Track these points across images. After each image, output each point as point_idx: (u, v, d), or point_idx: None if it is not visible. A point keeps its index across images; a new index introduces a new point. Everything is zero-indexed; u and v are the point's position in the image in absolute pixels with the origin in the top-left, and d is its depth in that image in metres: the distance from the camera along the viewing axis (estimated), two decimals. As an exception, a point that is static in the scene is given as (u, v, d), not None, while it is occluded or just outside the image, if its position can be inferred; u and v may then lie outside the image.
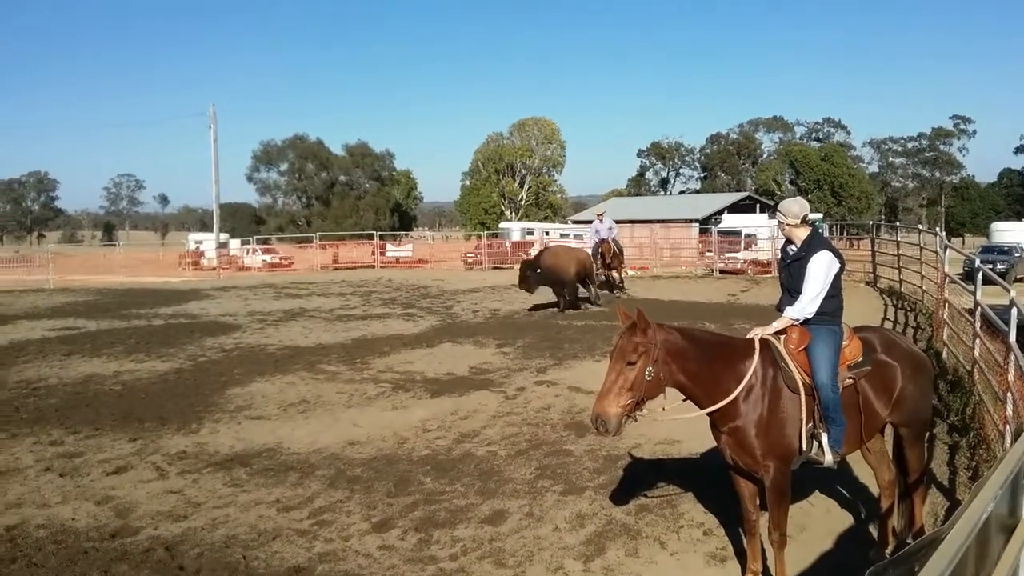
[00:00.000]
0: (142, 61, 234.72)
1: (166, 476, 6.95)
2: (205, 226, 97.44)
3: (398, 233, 66.51)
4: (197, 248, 49.14)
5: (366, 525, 5.74)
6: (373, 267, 39.60)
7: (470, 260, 40.86)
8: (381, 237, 45.96)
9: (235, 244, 50.95)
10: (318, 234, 45.39)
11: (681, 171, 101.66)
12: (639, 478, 6.52)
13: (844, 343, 4.79)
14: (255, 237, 58.15)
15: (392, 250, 44.59)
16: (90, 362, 12.76)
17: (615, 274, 20.69)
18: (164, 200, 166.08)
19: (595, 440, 7.49)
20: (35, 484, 6.81)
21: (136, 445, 7.91)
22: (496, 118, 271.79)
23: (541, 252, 19.54)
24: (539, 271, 17.75)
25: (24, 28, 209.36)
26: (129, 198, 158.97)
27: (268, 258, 44.84)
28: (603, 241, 20.09)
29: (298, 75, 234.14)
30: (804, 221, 4.87)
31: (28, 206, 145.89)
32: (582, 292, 18.92)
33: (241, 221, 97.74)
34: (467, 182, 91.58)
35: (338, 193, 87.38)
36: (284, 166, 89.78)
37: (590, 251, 19.99)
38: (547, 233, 47.57)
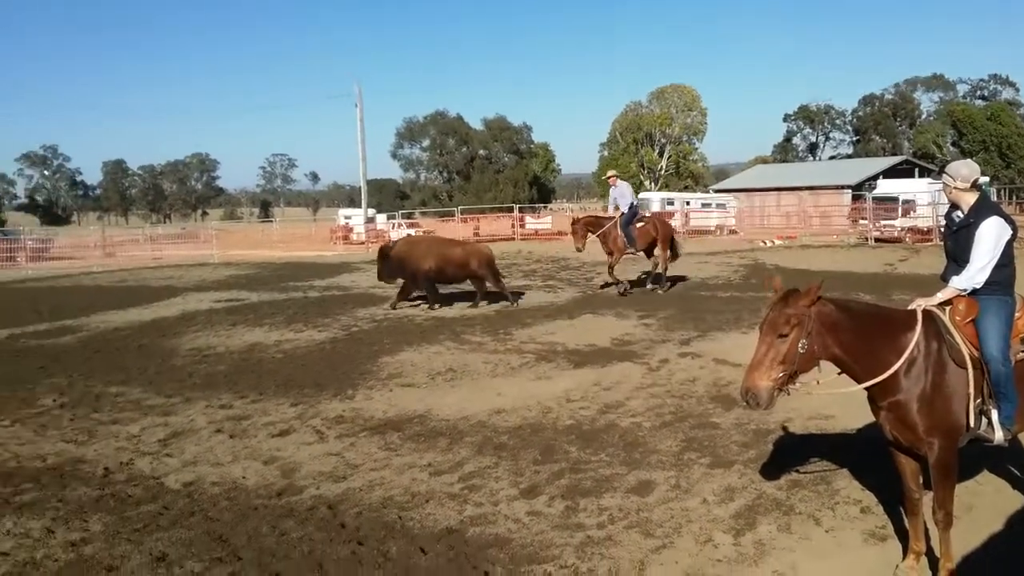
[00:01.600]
0: (294, 45, 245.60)
1: (325, 439, 7.34)
2: (353, 202, 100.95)
3: (537, 206, 66.75)
4: (346, 223, 51.04)
5: (514, 491, 5.87)
6: (513, 240, 40.00)
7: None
8: (520, 210, 46.36)
9: (381, 219, 52.59)
10: (459, 208, 46.27)
11: (831, 135, 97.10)
12: (790, 453, 6.35)
13: (1016, 314, 4.49)
14: (400, 212, 59.84)
15: (531, 222, 44.89)
16: (253, 332, 13.56)
17: (658, 262, 16.81)
18: (315, 178, 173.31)
19: (743, 413, 7.35)
20: (208, 444, 7.33)
21: (297, 409, 8.38)
22: (634, 87, 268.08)
23: (397, 241, 17.04)
24: (388, 260, 15.64)
25: (184, 21, 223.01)
26: (283, 176, 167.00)
27: (412, 232, 46.12)
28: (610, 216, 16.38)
29: (439, 52, 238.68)
30: (974, 185, 4.58)
31: (192, 185, 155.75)
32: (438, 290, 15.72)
33: (386, 196, 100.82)
34: (605, 153, 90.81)
35: (478, 167, 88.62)
36: (426, 142, 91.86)
37: (620, 227, 16.14)
38: (688, 203, 46.61)
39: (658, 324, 12.68)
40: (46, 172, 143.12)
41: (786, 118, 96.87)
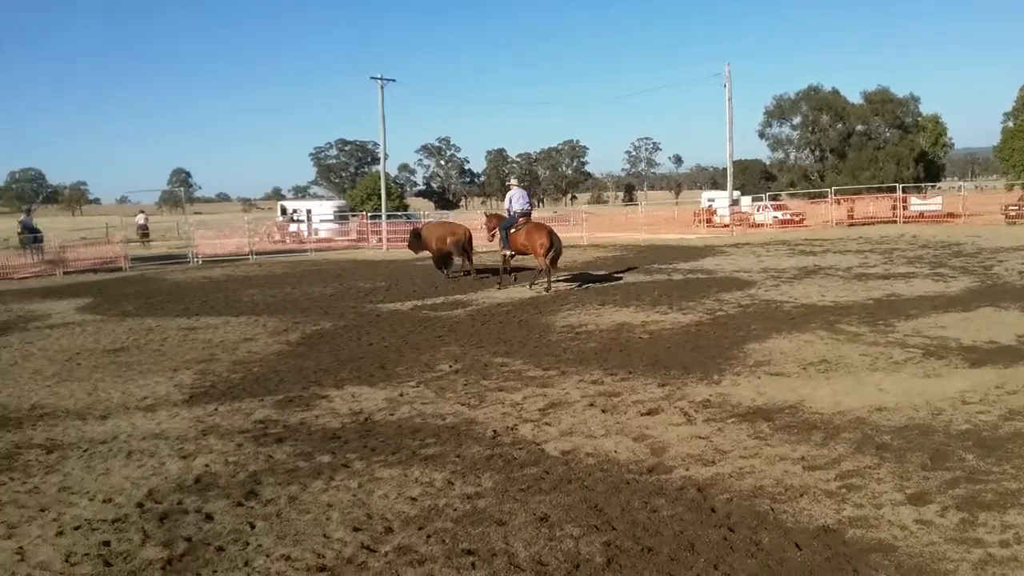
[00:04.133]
0: (662, 31, 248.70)
1: (693, 422, 7.36)
2: (716, 184, 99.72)
3: (923, 185, 60.72)
4: (710, 205, 50.64)
5: (899, 496, 5.42)
6: (894, 222, 36.98)
7: (1013, 214, 35.77)
8: (904, 190, 42.54)
9: (746, 201, 51.40)
10: (832, 188, 43.65)
11: None
12: None
13: None
14: (766, 194, 57.94)
15: (916, 203, 40.95)
16: (620, 312, 14.02)
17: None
18: (678, 160, 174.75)
19: None
20: (582, 417, 7.71)
21: (665, 390, 8.50)
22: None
23: (425, 224, 23.93)
24: (419, 239, 21.67)
25: (553, 23, 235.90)
26: (647, 160, 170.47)
27: (779, 214, 44.41)
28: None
29: (810, 25, 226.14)
30: None
31: (563, 171, 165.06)
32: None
33: (751, 177, 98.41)
34: (1010, 123, 79.67)
35: (854, 144, 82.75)
36: (797, 119, 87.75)
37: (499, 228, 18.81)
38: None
39: (1078, 321, 10.90)
40: (441, 162, 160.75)
41: None
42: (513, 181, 19.94)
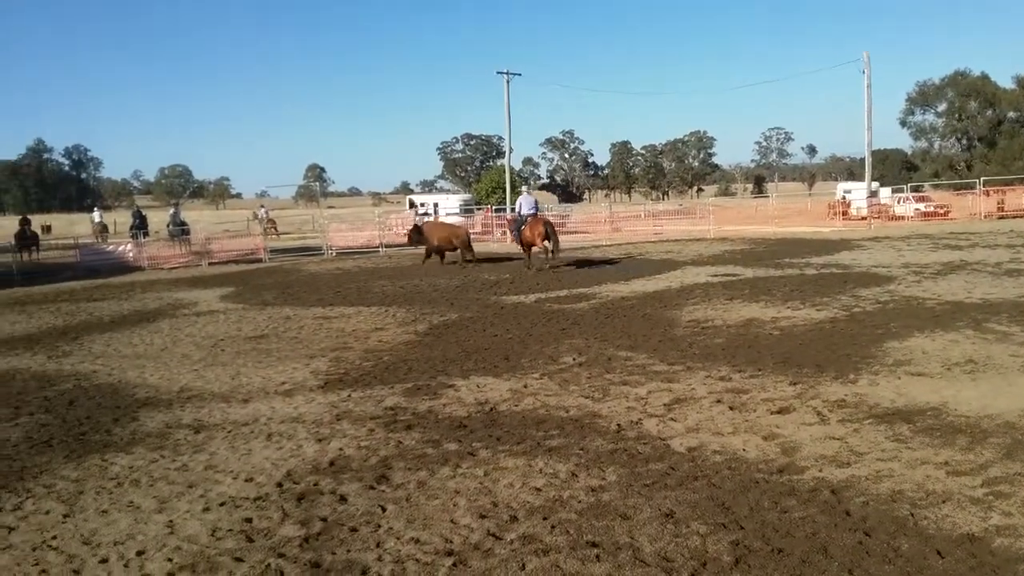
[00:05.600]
0: (794, 16, 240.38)
1: (827, 422, 7.10)
2: (852, 175, 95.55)
3: (1085, 174, 56.27)
4: (845, 197, 48.57)
5: (1053, 506, 5.07)
6: (1051, 214, 34.44)
7: None
8: (1062, 180, 39.61)
9: (885, 192, 49.00)
10: (981, 179, 41.11)
11: None
12: None
13: None
14: (908, 184, 55.09)
15: (1078, 195, 38.04)
16: (749, 307, 13.66)
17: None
18: (812, 151, 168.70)
19: None
20: (709, 413, 7.56)
21: (796, 388, 8.23)
22: None
23: (425, 223, 28.57)
24: (420, 234, 25.68)
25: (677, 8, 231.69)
26: (778, 151, 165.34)
27: (921, 206, 42.13)
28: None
29: (956, 6, 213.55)
30: None
31: (689, 163, 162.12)
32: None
33: (891, 168, 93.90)
34: None
35: (1006, 132, 77.60)
36: (942, 106, 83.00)
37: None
38: None
39: None
40: (565, 155, 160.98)
41: None
42: (524, 188, 25.68)
